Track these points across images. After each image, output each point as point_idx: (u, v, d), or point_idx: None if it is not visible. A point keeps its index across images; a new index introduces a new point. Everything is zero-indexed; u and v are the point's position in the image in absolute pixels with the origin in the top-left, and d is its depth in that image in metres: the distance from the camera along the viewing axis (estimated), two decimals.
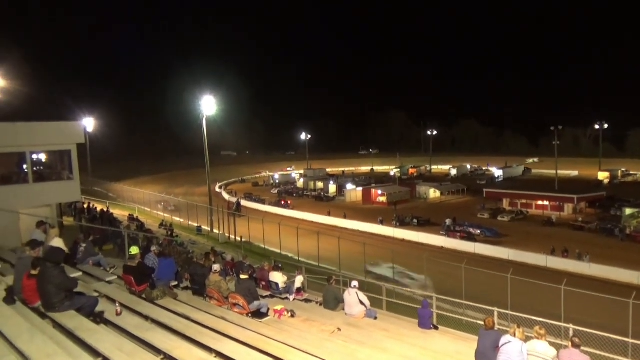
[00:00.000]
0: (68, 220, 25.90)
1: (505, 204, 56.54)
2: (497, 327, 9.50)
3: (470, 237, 40.46)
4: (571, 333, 12.13)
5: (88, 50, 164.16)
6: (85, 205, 31.63)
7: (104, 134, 68.82)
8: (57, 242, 11.37)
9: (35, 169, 18.77)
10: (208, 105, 41.88)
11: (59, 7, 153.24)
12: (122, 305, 8.64)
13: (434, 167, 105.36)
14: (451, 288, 20.69)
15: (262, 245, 34.44)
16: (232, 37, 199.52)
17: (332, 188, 74.17)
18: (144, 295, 9.90)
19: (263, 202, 64.56)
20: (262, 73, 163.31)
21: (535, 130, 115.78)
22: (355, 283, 12.29)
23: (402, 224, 47.93)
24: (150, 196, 51.71)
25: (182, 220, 43.21)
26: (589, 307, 18.26)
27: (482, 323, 9.22)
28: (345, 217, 50.69)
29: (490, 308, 14.56)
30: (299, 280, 14.65)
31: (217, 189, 77.83)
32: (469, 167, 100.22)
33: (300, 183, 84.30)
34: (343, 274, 22.91)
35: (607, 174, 78.14)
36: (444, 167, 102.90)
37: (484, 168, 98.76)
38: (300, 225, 34.66)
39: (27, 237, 12.86)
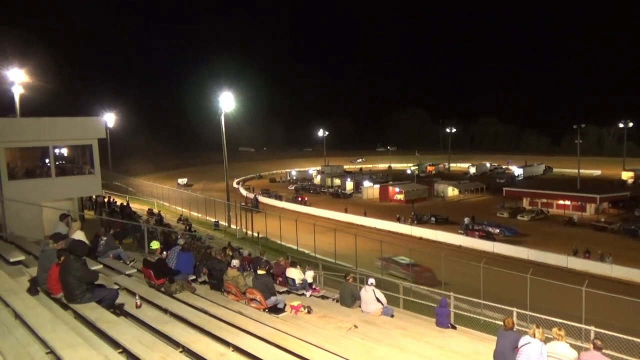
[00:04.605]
0: (89, 214, 26.42)
1: (526, 203, 55.65)
2: (516, 327, 9.36)
3: (489, 236, 39.95)
4: (592, 335, 11.89)
5: (110, 47, 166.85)
6: (106, 200, 32.15)
7: (124, 129, 69.85)
8: (79, 235, 11.57)
9: (57, 163, 19.13)
10: (227, 102, 42.17)
11: (81, 5, 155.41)
12: (141, 298, 8.76)
13: (452, 165, 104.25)
14: (469, 287, 20.46)
15: (279, 242, 34.56)
16: (252, 34, 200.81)
17: (349, 185, 74.00)
18: (162, 289, 10.03)
19: (280, 198, 64.79)
20: (281, 69, 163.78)
21: (557, 128, 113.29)
22: (372, 280, 12.22)
23: (420, 221, 47.57)
24: (170, 191, 52.34)
25: (199, 215, 43.67)
26: (610, 309, 17.87)
27: (501, 323, 9.11)
28: (365, 214, 50.33)
29: (509, 308, 14.39)
30: (309, 275, 14.59)
31: (235, 185, 78.35)
32: (488, 165, 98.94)
33: (317, 180, 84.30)
34: (360, 271, 22.87)
35: (631, 174, 76.21)
36: (463, 165, 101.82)
37: (503, 166, 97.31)
38: (317, 222, 34.69)
39: (49, 229, 13.16)
